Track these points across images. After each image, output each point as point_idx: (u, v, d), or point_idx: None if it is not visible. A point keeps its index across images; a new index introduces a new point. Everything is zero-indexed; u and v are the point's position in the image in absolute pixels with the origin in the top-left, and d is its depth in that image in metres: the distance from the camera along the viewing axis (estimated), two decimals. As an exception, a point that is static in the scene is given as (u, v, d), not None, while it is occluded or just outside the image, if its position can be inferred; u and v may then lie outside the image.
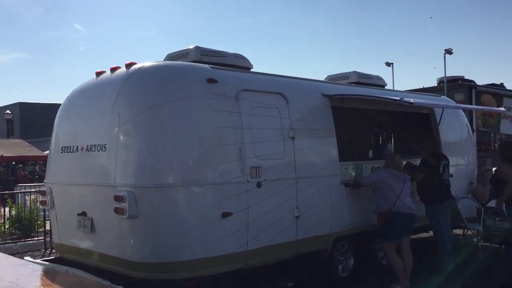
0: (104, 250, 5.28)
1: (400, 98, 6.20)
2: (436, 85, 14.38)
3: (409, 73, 50.94)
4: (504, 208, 6.09)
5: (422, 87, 14.00)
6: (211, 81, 5.30)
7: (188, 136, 5.08)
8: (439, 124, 8.35)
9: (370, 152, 7.93)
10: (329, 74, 8.68)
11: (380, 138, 8.46)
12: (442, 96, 9.48)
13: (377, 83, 8.58)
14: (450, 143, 8.54)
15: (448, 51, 13.52)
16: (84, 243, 5.55)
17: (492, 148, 7.56)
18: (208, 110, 5.21)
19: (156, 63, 5.39)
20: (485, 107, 10.79)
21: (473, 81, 13.96)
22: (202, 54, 6.11)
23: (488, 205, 6.38)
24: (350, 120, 7.51)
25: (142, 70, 5.28)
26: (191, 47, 6.21)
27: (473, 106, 9.47)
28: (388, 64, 15.14)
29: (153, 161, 4.97)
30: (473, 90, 12.56)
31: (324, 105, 6.49)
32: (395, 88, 15.25)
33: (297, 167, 5.92)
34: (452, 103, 9.44)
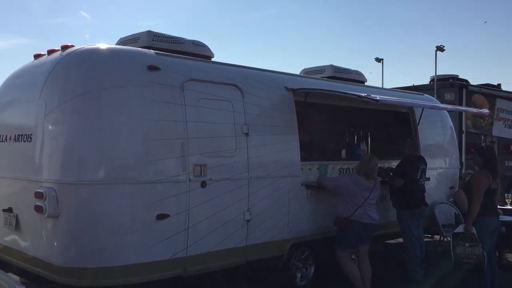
0: (28, 250, 4.80)
1: (366, 95, 5.68)
2: (427, 83, 13.79)
3: (401, 70, 50.02)
4: (474, 230, 5.55)
5: (412, 84, 13.39)
6: (153, 68, 4.79)
7: (121, 128, 4.58)
8: (418, 124, 7.84)
9: (343, 152, 7.39)
10: (305, 68, 8.17)
11: (356, 137, 7.93)
12: (425, 95, 8.93)
13: (356, 78, 8.05)
14: (430, 145, 8.03)
15: (440, 48, 12.94)
16: (9, 242, 5.08)
17: (472, 150, 6.99)
18: (146, 100, 4.70)
19: (90, 46, 4.88)
20: (462, 108, 10.19)
21: (466, 81, 13.38)
22: (153, 39, 5.59)
23: (455, 231, 5.81)
24: (319, 117, 6.99)
25: (74, 54, 4.77)
26: (144, 31, 5.71)
27: (448, 106, 8.83)
28: (378, 59, 14.58)
29: (80, 155, 4.47)
30: (464, 90, 11.99)
31: (286, 99, 5.97)
32: (384, 85, 14.71)
33: (251, 166, 5.42)
34: (437, 102, 8.91)
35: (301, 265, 6.14)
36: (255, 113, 5.59)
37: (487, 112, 9.30)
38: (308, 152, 6.61)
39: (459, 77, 13.69)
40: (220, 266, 5.22)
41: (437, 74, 14.26)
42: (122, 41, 5.85)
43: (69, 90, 4.58)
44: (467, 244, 5.53)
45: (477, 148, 6.09)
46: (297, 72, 8.03)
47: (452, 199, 8.25)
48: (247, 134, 5.41)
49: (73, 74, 4.66)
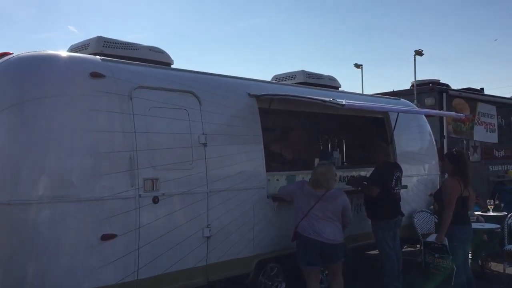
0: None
1: (330, 100, 5.34)
2: (408, 88, 13.55)
3: (382, 76, 50.03)
4: (446, 241, 5.22)
5: (392, 90, 13.13)
6: (96, 75, 4.40)
7: (59, 141, 4.18)
8: (394, 129, 7.53)
9: (316, 161, 7.04)
10: (276, 74, 7.84)
11: (329, 145, 7.60)
12: (401, 99, 8.63)
13: (329, 84, 7.73)
14: (407, 151, 7.71)
15: (419, 53, 12.68)
16: None
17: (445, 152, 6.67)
18: (88, 110, 4.31)
19: (27, 53, 4.49)
20: (434, 111, 9.88)
21: (447, 85, 13.16)
22: (104, 45, 5.21)
23: (428, 239, 5.49)
24: (288, 125, 6.67)
25: (9, 61, 4.38)
26: (94, 37, 5.34)
27: (420, 110, 8.51)
28: (357, 65, 14.33)
29: (12, 172, 4.06)
30: (444, 94, 11.74)
31: (249, 106, 5.62)
32: (364, 91, 14.44)
33: (210, 178, 5.04)
34: (413, 107, 8.61)
35: (270, 283, 5.75)
36: (215, 122, 5.22)
37: (463, 116, 8.99)
38: (276, 162, 6.27)
39: (440, 81, 13.49)
40: (177, 289, 4.81)
41: (419, 79, 14.06)
42: (73, 48, 5.47)
43: (1, 100, 4.18)
44: (436, 255, 5.23)
45: (446, 154, 5.76)
46: (268, 79, 7.73)
47: (432, 207, 7.94)
48: (205, 145, 5.03)
49: (6, 83, 4.27)
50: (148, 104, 4.67)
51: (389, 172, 6.30)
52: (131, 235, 4.39)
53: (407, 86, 13.59)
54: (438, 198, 5.53)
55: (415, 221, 7.42)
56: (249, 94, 5.66)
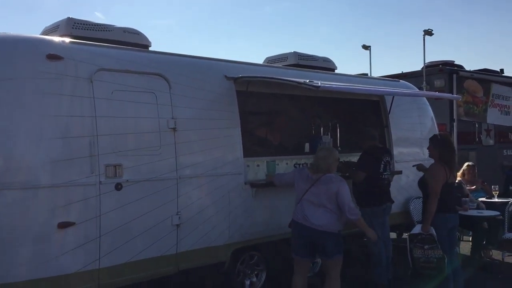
0: None
1: (305, 81, 5.06)
2: (418, 70, 13.06)
3: (392, 57, 48.45)
4: (433, 230, 4.92)
5: (401, 72, 12.67)
6: (53, 57, 4.24)
7: (13, 126, 4.04)
8: (389, 113, 7.20)
9: (307, 145, 6.78)
10: (268, 56, 7.58)
11: (322, 129, 7.31)
12: (401, 81, 8.25)
13: (323, 65, 7.43)
14: (404, 135, 7.39)
15: (428, 32, 12.14)
16: None
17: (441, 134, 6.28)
18: (45, 93, 4.15)
19: (-17, 35, 4.35)
20: (423, 93, 9.36)
21: (461, 66, 12.62)
22: (74, 27, 5.04)
23: (412, 232, 5.17)
24: (273, 109, 6.41)
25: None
26: (64, 18, 5.18)
27: (415, 92, 8.00)
28: (365, 47, 13.86)
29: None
30: (454, 76, 11.25)
31: (225, 89, 5.39)
32: (372, 74, 14.01)
33: (180, 164, 4.85)
34: (414, 89, 8.22)
35: (249, 272, 5.58)
36: (186, 106, 5.01)
37: (458, 97, 8.57)
38: (259, 147, 6.05)
39: (454, 63, 12.95)
40: (145, 277, 4.67)
41: (432, 60, 13.56)
42: (45, 31, 5.34)
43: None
44: (426, 247, 4.90)
45: (430, 138, 5.43)
46: (260, 61, 7.48)
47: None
48: (174, 129, 4.84)
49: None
50: (111, 87, 4.49)
51: (376, 157, 6.01)
52: (92, 223, 4.25)
53: (416, 67, 13.11)
54: (422, 186, 5.22)
55: (411, 208, 7.13)
56: (226, 77, 5.43)
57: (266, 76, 5.55)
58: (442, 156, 5.09)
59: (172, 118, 4.84)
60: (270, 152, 5.99)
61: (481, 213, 6.87)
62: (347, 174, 6.11)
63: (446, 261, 4.85)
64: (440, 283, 4.98)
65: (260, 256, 5.63)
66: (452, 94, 10.67)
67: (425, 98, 8.21)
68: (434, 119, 8.18)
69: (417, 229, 5.10)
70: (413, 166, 6.23)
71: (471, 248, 7.18)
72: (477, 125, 11.82)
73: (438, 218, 4.94)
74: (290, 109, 6.57)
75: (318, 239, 4.82)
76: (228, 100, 5.38)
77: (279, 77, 5.38)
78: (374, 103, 7.36)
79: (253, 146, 5.84)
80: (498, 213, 6.85)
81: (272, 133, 6.40)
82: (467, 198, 7.00)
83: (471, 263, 6.90)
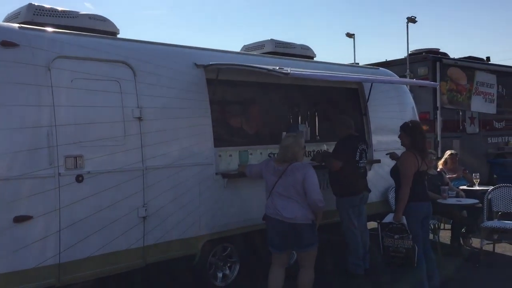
0: None
1: (275, 68, 4.91)
2: (402, 58, 12.94)
3: (376, 45, 48.36)
4: (404, 220, 4.82)
5: (385, 60, 12.55)
6: (8, 44, 4.05)
7: (-36, 117, 3.88)
8: (367, 101, 7.08)
9: (283, 134, 6.64)
10: (246, 44, 7.42)
11: (299, 118, 7.17)
12: (380, 69, 8.12)
13: (302, 53, 7.28)
14: (383, 124, 7.26)
15: (412, 20, 12.05)
16: None
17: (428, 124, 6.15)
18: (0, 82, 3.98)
19: None
20: (402, 80, 9.13)
21: (445, 54, 12.50)
22: (35, 14, 4.86)
23: (384, 220, 5.06)
24: (247, 97, 6.26)
25: None
26: (25, 5, 4.98)
27: (387, 79, 7.80)
28: (349, 35, 13.70)
29: None
30: (438, 63, 11.14)
31: (195, 77, 5.23)
32: (356, 61, 13.88)
33: (146, 155, 4.70)
34: (394, 77, 8.08)
35: (222, 264, 5.46)
36: (152, 94, 4.85)
37: (436, 84, 8.45)
38: (232, 136, 5.90)
39: (439, 50, 12.85)
40: (109, 272, 4.53)
41: (418, 48, 13.44)
42: (6, 18, 5.14)
43: None
44: (396, 236, 4.80)
45: (401, 126, 5.31)
46: (238, 49, 7.31)
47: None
48: (140, 119, 4.68)
49: None
50: (70, 76, 4.32)
51: (352, 146, 5.89)
52: (51, 217, 4.10)
53: (400, 55, 13.02)
54: (394, 175, 5.10)
55: (390, 196, 7.02)
56: (195, 64, 5.27)
57: (236, 63, 5.38)
58: (414, 144, 4.98)
59: (138, 107, 4.68)
60: (244, 142, 5.85)
61: (460, 201, 6.79)
62: (323, 164, 6.00)
63: (416, 251, 4.76)
64: (413, 272, 4.89)
65: (233, 248, 5.51)
66: (436, 82, 10.59)
67: (405, 86, 8.10)
68: (415, 107, 8.06)
69: (388, 218, 5.00)
70: (386, 154, 6.14)
71: (451, 237, 7.11)
72: (461, 113, 11.74)
73: (410, 207, 4.84)
74: (266, 98, 6.42)
75: (293, 231, 4.67)
76: (197, 88, 5.22)
77: (248, 64, 5.22)
78: (353, 91, 7.23)
79: (226, 135, 5.70)
80: (477, 201, 6.77)
81: (248, 123, 6.25)
82: (446, 187, 6.91)
83: (450, 251, 6.85)
